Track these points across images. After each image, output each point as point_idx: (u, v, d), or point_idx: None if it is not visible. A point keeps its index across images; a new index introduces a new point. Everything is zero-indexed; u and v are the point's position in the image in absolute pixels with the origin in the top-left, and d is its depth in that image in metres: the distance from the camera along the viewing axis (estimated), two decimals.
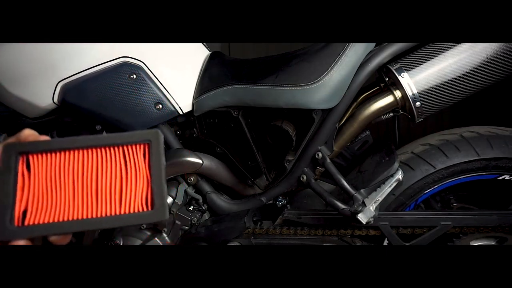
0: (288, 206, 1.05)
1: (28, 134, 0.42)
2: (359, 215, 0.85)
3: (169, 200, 0.98)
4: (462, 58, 0.82)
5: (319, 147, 0.91)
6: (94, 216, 0.38)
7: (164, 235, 0.97)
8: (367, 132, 1.06)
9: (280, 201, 1.04)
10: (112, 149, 0.40)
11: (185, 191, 1.00)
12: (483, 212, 0.93)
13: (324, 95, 0.85)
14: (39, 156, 0.39)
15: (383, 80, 0.91)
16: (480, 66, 0.82)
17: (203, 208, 1.02)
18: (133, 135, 0.41)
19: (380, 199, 0.87)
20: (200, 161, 0.95)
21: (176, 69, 0.96)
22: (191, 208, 1.02)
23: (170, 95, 0.93)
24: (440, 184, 0.97)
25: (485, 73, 0.82)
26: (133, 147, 0.41)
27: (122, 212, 0.39)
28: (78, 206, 0.38)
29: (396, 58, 0.87)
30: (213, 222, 0.99)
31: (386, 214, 0.94)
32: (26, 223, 0.38)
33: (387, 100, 0.90)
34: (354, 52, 0.85)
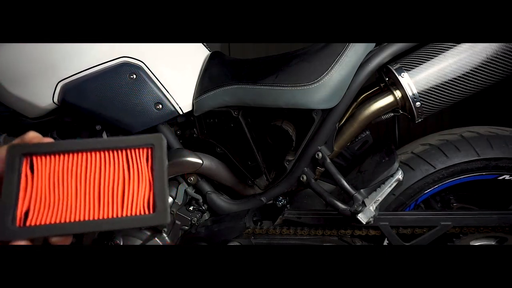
0: (288, 206, 1.05)
1: (33, 136, 0.42)
2: (359, 215, 0.85)
3: (169, 200, 0.98)
4: (462, 58, 0.82)
5: (319, 147, 0.91)
6: (96, 218, 0.39)
7: (164, 235, 0.97)
8: (367, 132, 1.06)
9: (280, 201, 1.04)
10: (115, 152, 0.41)
11: (185, 191, 1.00)
12: (483, 212, 0.93)
13: (324, 95, 0.85)
14: (43, 157, 0.39)
15: (383, 80, 0.91)
16: (480, 66, 0.82)
17: (203, 208, 1.02)
18: (137, 139, 0.41)
19: (380, 199, 0.87)
20: (200, 161, 0.95)
21: (176, 69, 0.96)
22: (191, 208, 1.02)
23: (170, 95, 0.93)
24: (440, 184, 0.97)
25: (485, 73, 0.82)
26: (136, 150, 0.41)
27: (124, 215, 0.39)
28: (80, 208, 0.39)
29: (396, 58, 0.87)
30: (213, 222, 0.99)
31: (386, 214, 0.94)
32: (27, 223, 0.38)
33: (387, 100, 0.90)
34: (354, 52, 0.85)
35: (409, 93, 0.85)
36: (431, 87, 0.84)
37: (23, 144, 0.39)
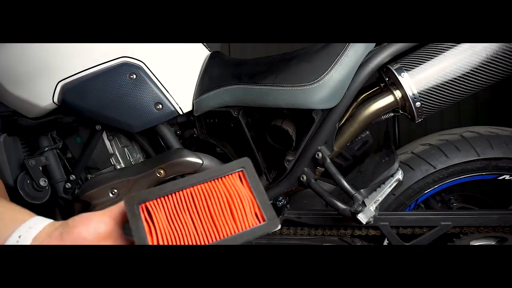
0: (288, 206, 1.05)
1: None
2: (359, 215, 0.85)
3: None
4: (462, 58, 0.82)
5: (319, 147, 0.91)
6: (217, 239, 0.43)
7: None
8: (367, 132, 1.06)
9: (280, 201, 1.04)
10: (213, 182, 0.46)
11: None
12: (483, 212, 0.93)
13: (324, 95, 0.85)
14: (155, 201, 0.44)
15: (383, 80, 0.91)
16: (480, 66, 0.82)
17: None
18: (228, 167, 0.46)
19: (380, 199, 0.87)
20: (200, 161, 0.95)
21: (176, 69, 0.96)
22: None
23: (170, 95, 0.93)
24: (440, 184, 0.97)
25: (485, 73, 0.82)
26: (230, 176, 0.46)
27: (240, 230, 0.43)
28: (200, 235, 0.43)
29: (396, 58, 0.87)
30: None
31: (386, 214, 0.94)
32: None
33: (387, 100, 0.90)
34: (354, 52, 0.85)
35: (409, 93, 0.85)
36: (431, 87, 0.84)
37: (136, 194, 0.43)
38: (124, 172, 0.97)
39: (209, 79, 0.96)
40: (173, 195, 0.44)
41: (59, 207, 1.03)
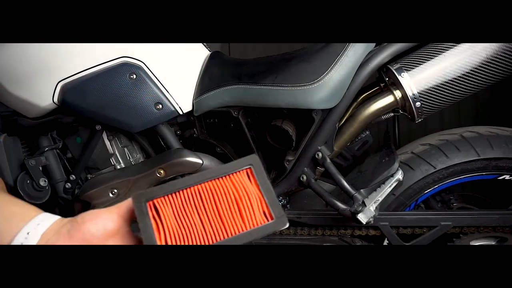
0: (288, 206, 1.05)
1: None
2: (359, 215, 0.85)
3: None
4: (462, 58, 0.82)
5: (319, 147, 0.91)
6: (225, 237, 0.42)
7: None
8: (367, 132, 1.06)
9: (280, 201, 1.04)
10: (221, 179, 0.45)
11: None
12: (483, 212, 0.93)
13: (324, 95, 0.85)
14: (162, 199, 0.44)
15: (383, 80, 0.91)
16: (480, 66, 0.82)
17: None
18: (236, 164, 0.46)
19: (380, 199, 0.87)
20: (200, 161, 0.95)
21: (176, 69, 0.96)
22: None
23: (170, 95, 0.93)
24: (440, 184, 0.97)
25: (485, 73, 0.82)
26: (238, 173, 0.46)
27: (248, 228, 0.43)
28: (208, 233, 0.43)
29: (396, 58, 0.87)
30: None
31: (386, 214, 0.94)
32: None
33: (387, 100, 0.90)
34: (354, 52, 0.85)
35: (409, 93, 0.85)
36: (431, 87, 0.84)
37: (144, 192, 0.43)
38: (124, 172, 0.97)
39: (209, 79, 0.96)
40: (181, 192, 0.44)
41: (59, 207, 1.03)
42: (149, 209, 0.43)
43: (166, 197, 0.44)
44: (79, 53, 0.89)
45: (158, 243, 0.41)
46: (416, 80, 0.84)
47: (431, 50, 0.84)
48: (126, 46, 0.90)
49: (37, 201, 0.93)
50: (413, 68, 0.85)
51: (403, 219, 0.94)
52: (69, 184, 1.00)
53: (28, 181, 0.93)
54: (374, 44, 0.88)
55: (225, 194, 0.44)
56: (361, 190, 0.88)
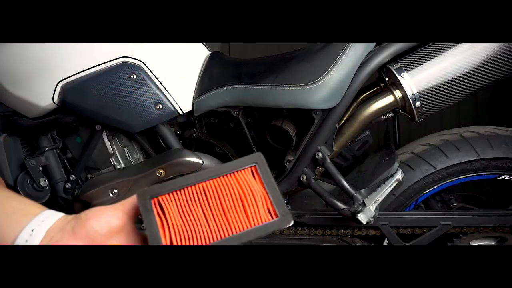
0: (288, 206, 1.05)
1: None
2: (359, 215, 0.85)
3: None
4: (462, 58, 0.82)
5: (319, 147, 0.91)
6: (229, 235, 0.42)
7: None
8: (367, 132, 1.06)
9: None
10: (225, 177, 0.45)
11: None
12: (483, 212, 0.93)
13: (324, 95, 0.85)
14: (167, 196, 0.44)
15: (383, 80, 0.91)
16: (480, 66, 0.82)
17: None
18: (241, 162, 0.46)
19: (380, 199, 0.87)
20: (200, 161, 0.95)
21: (176, 69, 0.96)
22: None
23: (170, 95, 0.93)
24: (440, 184, 0.97)
25: (485, 73, 0.82)
26: (243, 171, 0.46)
27: (253, 226, 0.43)
28: (213, 230, 0.43)
29: (396, 58, 0.87)
30: None
31: (386, 214, 0.94)
32: None
33: (387, 100, 0.90)
34: (354, 52, 0.85)
35: (409, 93, 0.85)
36: (431, 87, 0.84)
37: (148, 189, 0.43)
38: (124, 172, 0.98)
39: (209, 79, 0.96)
40: (186, 189, 0.44)
41: (59, 207, 1.03)
42: (153, 206, 0.43)
43: (170, 194, 0.44)
44: (79, 53, 0.89)
45: (163, 240, 0.41)
46: (416, 80, 0.84)
47: (431, 50, 0.85)
48: (126, 46, 0.90)
49: (37, 201, 0.93)
50: (413, 68, 0.85)
51: (403, 219, 0.94)
52: (69, 184, 1.00)
53: (28, 181, 0.93)
54: (374, 44, 0.88)
55: (229, 191, 0.44)
56: (361, 190, 0.88)
